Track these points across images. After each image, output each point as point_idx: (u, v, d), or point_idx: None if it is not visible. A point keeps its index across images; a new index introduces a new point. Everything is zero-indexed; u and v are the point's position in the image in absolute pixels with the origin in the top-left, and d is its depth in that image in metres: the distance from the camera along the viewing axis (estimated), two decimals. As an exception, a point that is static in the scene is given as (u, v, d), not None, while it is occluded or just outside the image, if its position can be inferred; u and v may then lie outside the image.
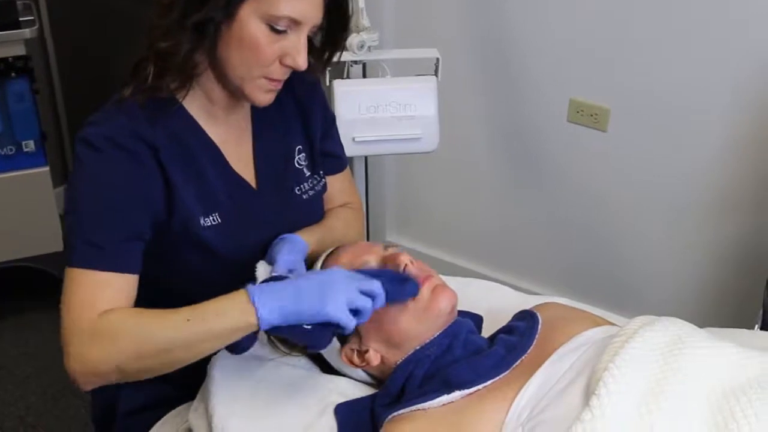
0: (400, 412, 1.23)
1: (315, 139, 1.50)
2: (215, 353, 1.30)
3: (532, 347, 1.31)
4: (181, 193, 1.30)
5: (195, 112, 1.34)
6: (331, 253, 1.41)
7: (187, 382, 1.40)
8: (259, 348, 1.40)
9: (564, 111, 2.47)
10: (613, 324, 1.42)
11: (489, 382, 1.24)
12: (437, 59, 2.15)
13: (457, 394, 1.23)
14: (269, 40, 1.25)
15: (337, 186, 1.58)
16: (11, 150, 2.55)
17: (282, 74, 1.30)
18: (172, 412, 1.46)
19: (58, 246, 2.70)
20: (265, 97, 1.32)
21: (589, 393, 1.14)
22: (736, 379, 1.16)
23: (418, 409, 1.23)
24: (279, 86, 1.32)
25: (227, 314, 1.16)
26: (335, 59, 1.42)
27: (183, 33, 1.23)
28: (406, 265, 1.33)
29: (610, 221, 2.56)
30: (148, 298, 1.27)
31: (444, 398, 1.22)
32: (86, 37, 3.19)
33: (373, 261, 1.35)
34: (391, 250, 1.38)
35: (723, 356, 1.20)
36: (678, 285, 2.50)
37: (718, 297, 2.44)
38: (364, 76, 2.28)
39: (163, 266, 1.34)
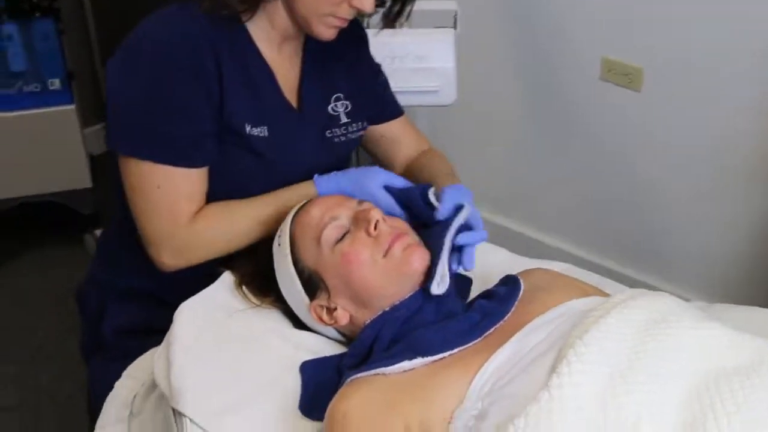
0: (360, 375, 1.18)
1: (359, 88, 1.53)
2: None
3: (509, 315, 1.24)
4: (232, 96, 1.34)
5: (254, 33, 1.38)
6: (302, 206, 1.36)
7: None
8: (229, 297, 1.36)
9: (596, 69, 2.37)
10: (607, 295, 1.34)
11: (456, 350, 1.18)
12: (455, 12, 2.08)
13: (419, 361, 1.17)
14: None
15: (397, 131, 1.64)
16: (37, 87, 2.58)
17: (348, 14, 1.35)
18: (146, 355, 1.44)
19: (84, 183, 2.74)
20: (328, 32, 1.36)
21: (553, 369, 1.07)
22: (720, 365, 1.07)
23: (378, 374, 1.17)
24: (344, 24, 1.37)
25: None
26: (404, 16, 1.47)
27: None
28: (377, 222, 1.27)
29: (641, 184, 2.45)
30: (209, 194, 1.37)
31: (405, 364, 1.16)
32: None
33: (345, 215, 1.30)
34: (364, 206, 1.32)
35: (710, 338, 1.11)
36: (709, 255, 2.39)
37: (751, 271, 2.32)
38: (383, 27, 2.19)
39: (221, 165, 1.37)
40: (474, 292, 1.43)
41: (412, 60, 2.02)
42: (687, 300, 2.11)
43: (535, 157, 2.66)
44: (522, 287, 1.29)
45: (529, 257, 1.61)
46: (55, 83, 2.59)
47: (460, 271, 1.34)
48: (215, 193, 1.38)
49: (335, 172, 1.43)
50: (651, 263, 2.50)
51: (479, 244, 1.32)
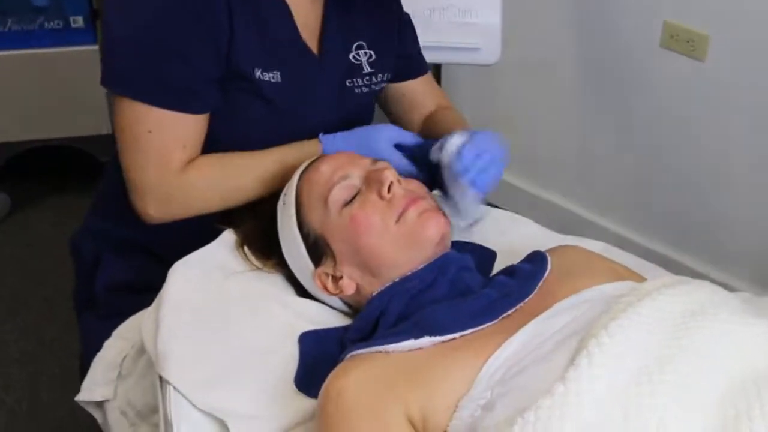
0: (361, 351, 1.06)
1: (385, 38, 1.43)
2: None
3: (532, 296, 1.11)
4: (241, 36, 1.23)
5: None
6: (312, 162, 1.24)
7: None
8: (229, 258, 1.26)
9: (657, 35, 2.19)
10: (641, 278, 1.21)
11: (468, 332, 1.06)
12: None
13: (426, 341, 1.04)
14: None
15: (420, 89, 1.53)
16: (59, 24, 2.46)
17: None
18: (139, 314, 1.34)
19: (103, 128, 2.63)
20: None
21: (572, 360, 0.94)
22: (760, 366, 0.94)
23: (380, 351, 1.05)
24: None
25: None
26: None
27: None
28: (390, 183, 1.15)
29: (701, 159, 2.28)
30: (207, 145, 1.28)
31: (410, 343, 1.04)
32: None
33: (356, 175, 1.18)
34: (379, 165, 1.20)
35: (750, 335, 0.97)
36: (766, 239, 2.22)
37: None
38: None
39: (224, 113, 1.28)
40: (498, 267, 1.30)
41: (454, 13, 1.90)
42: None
43: (585, 126, 2.50)
44: (549, 266, 1.16)
45: (563, 234, 1.47)
46: (78, 21, 2.47)
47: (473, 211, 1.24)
48: (219, 143, 1.28)
49: (342, 131, 1.32)
50: (704, 249, 2.34)
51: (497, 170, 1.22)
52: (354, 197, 1.16)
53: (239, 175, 1.28)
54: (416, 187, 1.20)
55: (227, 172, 1.28)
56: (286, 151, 1.30)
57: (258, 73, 1.26)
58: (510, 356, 1.01)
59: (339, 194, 1.16)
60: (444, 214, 1.18)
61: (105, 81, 1.24)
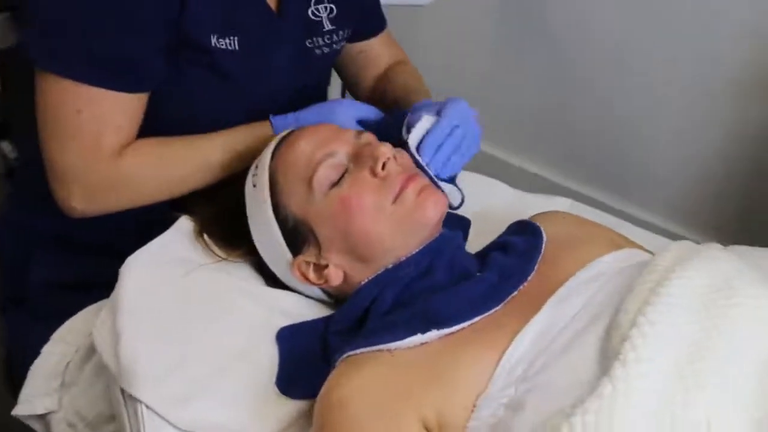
0: (359, 351, 0.95)
1: None
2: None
3: (533, 274, 1.03)
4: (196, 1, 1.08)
5: None
6: (285, 137, 1.10)
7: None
8: (187, 249, 1.11)
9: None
10: (634, 245, 1.15)
11: (476, 319, 0.97)
12: None
13: (433, 334, 0.95)
14: None
15: (377, 46, 1.41)
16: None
17: None
18: (81, 314, 1.18)
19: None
20: None
21: (609, 353, 0.87)
22: None
23: (383, 350, 0.95)
24: None
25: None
26: None
27: None
28: (386, 160, 1.03)
29: (619, 96, 2.23)
30: (148, 125, 1.13)
31: (417, 338, 0.94)
32: None
33: (342, 151, 1.06)
34: (365, 138, 1.08)
35: None
36: (690, 179, 2.20)
37: (737, 200, 2.15)
38: None
39: (166, 88, 1.13)
40: (475, 234, 1.20)
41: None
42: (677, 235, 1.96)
43: (505, 64, 2.41)
44: (544, 238, 1.08)
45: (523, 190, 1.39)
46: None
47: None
48: (159, 122, 1.12)
49: (295, 112, 1.18)
50: (619, 187, 2.31)
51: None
52: (341, 177, 1.04)
53: (181, 163, 1.14)
54: (409, 162, 1.09)
55: (167, 159, 1.13)
56: (235, 136, 1.16)
57: (214, 40, 1.11)
58: (528, 349, 0.93)
59: (325, 174, 1.04)
60: (441, 191, 1.07)
61: (30, 53, 1.05)
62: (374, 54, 1.40)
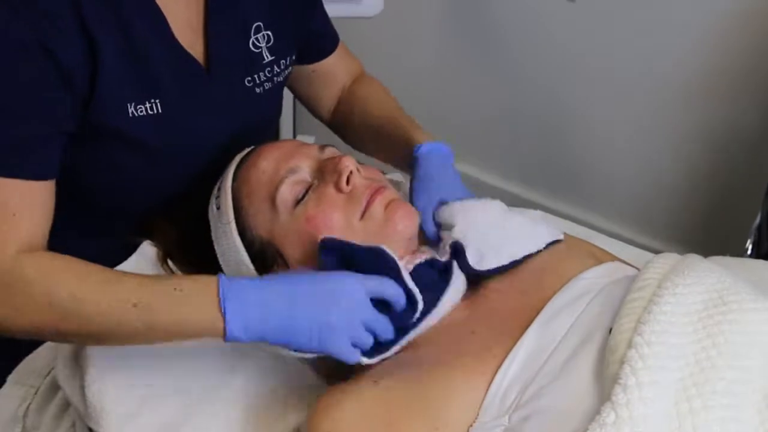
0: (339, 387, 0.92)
1: (283, 13, 1.17)
2: None
3: (516, 280, 1.01)
4: (107, 67, 0.97)
5: None
6: (246, 156, 1.06)
7: None
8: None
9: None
10: (613, 257, 1.12)
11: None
12: None
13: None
14: None
15: (333, 64, 1.31)
16: None
17: None
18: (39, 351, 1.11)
19: None
20: None
21: (604, 375, 0.84)
22: None
23: (367, 379, 0.91)
24: None
25: (186, 310, 0.88)
26: None
27: None
28: (350, 173, 0.99)
29: (574, 102, 2.21)
30: (65, 194, 0.99)
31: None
32: None
33: (305, 167, 1.02)
34: (329, 152, 1.04)
35: None
36: (645, 185, 2.20)
37: (692, 206, 2.14)
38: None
39: (82, 157, 1.03)
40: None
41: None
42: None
43: (457, 73, 2.37)
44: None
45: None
46: None
47: None
48: (87, 191, 1.05)
49: (252, 279, 0.94)
50: (575, 193, 2.29)
51: None
52: (306, 193, 1.00)
53: (87, 294, 0.90)
54: (377, 175, 1.05)
55: (87, 286, 0.90)
56: (161, 289, 0.91)
57: (131, 110, 1.01)
58: (518, 374, 0.89)
59: (288, 192, 0.99)
60: (410, 207, 1.04)
61: None
62: (330, 71, 1.31)
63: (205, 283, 0.89)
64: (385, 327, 0.93)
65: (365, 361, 0.92)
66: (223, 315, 0.86)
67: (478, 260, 1.02)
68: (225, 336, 0.87)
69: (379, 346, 0.93)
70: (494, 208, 1.09)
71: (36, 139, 0.95)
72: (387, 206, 1.00)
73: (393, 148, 1.19)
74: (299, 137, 2.34)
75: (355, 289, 0.91)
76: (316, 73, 1.30)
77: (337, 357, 0.91)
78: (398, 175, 1.34)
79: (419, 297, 0.94)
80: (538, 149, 2.32)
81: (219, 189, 1.04)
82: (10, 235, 0.91)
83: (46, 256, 0.93)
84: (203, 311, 0.87)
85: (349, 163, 1.00)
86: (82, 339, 0.93)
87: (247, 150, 1.07)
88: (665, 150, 2.11)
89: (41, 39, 0.92)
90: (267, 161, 1.02)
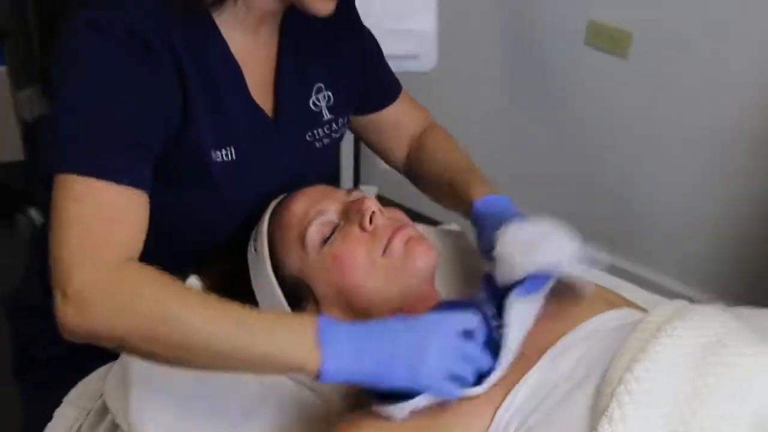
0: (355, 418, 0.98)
1: (344, 75, 1.25)
2: None
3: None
4: (198, 115, 1.06)
5: (223, 22, 1.09)
6: (280, 202, 1.15)
7: None
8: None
9: (581, 32, 2.17)
10: (632, 305, 1.16)
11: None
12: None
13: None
14: None
15: (400, 112, 1.36)
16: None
17: None
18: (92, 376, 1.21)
19: (15, 155, 2.46)
20: (325, 5, 1.06)
21: (598, 410, 0.89)
22: None
23: (381, 416, 0.96)
24: None
25: (282, 343, 0.90)
26: None
27: None
28: (372, 213, 1.07)
29: (627, 159, 2.27)
30: None
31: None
32: None
33: (332, 209, 1.10)
34: (355, 195, 1.12)
35: None
36: (696, 242, 2.23)
37: (741, 263, 2.17)
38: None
39: (158, 199, 1.05)
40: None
41: (389, 20, 1.78)
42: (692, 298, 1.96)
43: (512, 128, 2.46)
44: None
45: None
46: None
47: None
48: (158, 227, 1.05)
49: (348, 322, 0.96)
50: (631, 250, 2.31)
51: None
52: (332, 233, 1.08)
53: (191, 310, 0.92)
54: (399, 215, 1.13)
55: (188, 291, 0.98)
56: (263, 320, 0.95)
57: (214, 155, 1.09)
58: (521, 405, 0.95)
59: (316, 232, 1.08)
60: (430, 244, 1.10)
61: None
62: (398, 120, 1.37)
63: (306, 321, 0.91)
64: (480, 355, 0.95)
65: (472, 391, 0.93)
66: (321, 354, 0.89)
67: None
68: (319, 376, 0.89)
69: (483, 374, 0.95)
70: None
71: (139, 154, 1.00)
72: (407, 243, 1.07)
73: (458, 201, 1.23)
74: (362, 187, 2.44)
75: (447, 327, 0.94)
76: (386, 124, 1.37)
77: (436, 393, 0.92)
78: (455, 225, 1.41)
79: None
80: (589, 202, 2.36)
81: (256, 233, 1.13)
82: (116, 236, 0.94)
83: (149, 266, 0.94)
84: (300, 348, 0.90)
85: (371, 204, 1.08)
86: (169, 349, 0.90)
87: (282, 196, 1.16)
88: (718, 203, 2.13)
89: (152, 71, 1.00)
90: (298, 205, 1.11)
